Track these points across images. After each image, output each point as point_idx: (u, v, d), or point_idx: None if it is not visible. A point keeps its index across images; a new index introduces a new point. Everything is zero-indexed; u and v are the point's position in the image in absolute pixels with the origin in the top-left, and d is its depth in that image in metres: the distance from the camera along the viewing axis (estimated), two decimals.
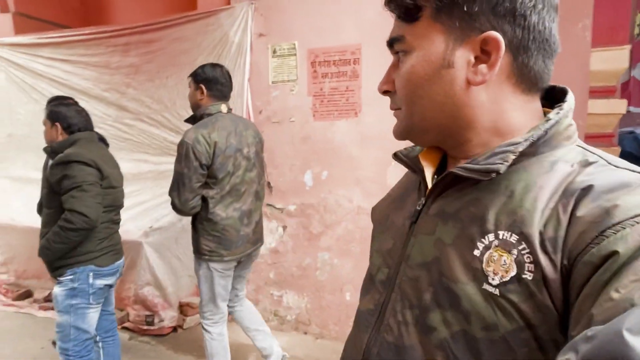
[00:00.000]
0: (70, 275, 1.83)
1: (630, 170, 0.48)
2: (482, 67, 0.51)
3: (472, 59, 0.51)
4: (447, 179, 0.56)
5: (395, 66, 0.59)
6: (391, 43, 0.58)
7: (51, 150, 1.89)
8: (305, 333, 2.96)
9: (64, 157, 1.79)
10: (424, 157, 0.62)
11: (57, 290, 1.85)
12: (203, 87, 1.98)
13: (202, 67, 2.01)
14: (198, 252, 2.03)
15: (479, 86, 0.52)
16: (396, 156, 0.67)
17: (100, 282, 1.90)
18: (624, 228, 0.41)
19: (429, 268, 0.55)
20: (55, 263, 1.81)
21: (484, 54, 0.51)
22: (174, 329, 3.00)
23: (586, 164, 0.49)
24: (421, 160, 0.61)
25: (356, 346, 0.64)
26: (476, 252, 0.50)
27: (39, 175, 3.53)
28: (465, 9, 0.50)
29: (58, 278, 1.84)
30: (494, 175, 0.50)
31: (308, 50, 2.72)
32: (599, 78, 2.72)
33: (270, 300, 3.03)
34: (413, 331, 0.55)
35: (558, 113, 0.52)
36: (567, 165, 0.49)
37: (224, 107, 2.02)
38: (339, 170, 2.74)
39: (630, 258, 0.40)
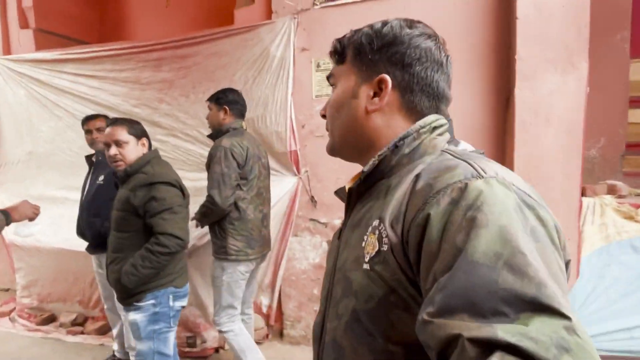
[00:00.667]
0: (152, 299, 1.76)
1: (459, 158, 0.59)
2: (376, 99, 0.69)
3: (371, 94, 0.69)
4: (352, 195, 0.72)
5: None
6: (328, 78, 0.78)
7: (127, 173, 1.81)
8: None
9: (150, 179, 1.73)
10: (350, 182, 0.75)
11: (137, 316, 1.76)
12: (227, 108, 2.30)
13: (224, 91, 2.34)
14: (225, 254, 2.18)
15: (375, 113, 0.69)
16: (336, 193, 0.81)
17: (179, 304, 1.83)
18: (438, 194, 0.53)
19: (341, 269, 0.67)
20: (136, 288, 1.73)
21: (380, 90, 0.69)
22: (216, 349, 2.91)
23: (436, 158, 0.63)
24: (346, 188, 0.75)
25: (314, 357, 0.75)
26: (362, 244, 0.63)
27: (63, 193, 3.46)
28: (369, 57, 0.69)
29: (135, 304, 1.76)
30: (363, 175, 0.68)
31: None
32: (639, 88, 2.79)
33: (313, 316, 2.97)
34: (334, 325, 0.66)
35: (406, 130, 0.67)
36: (422, 165, 0.63)
37: (244, 124, 2.37)
38: None
39: (443, 216, 0.50)
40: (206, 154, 3.11)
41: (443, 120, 0.69)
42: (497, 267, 0.44)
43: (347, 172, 2.76)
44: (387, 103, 0.68)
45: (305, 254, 2.96)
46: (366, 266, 0.60)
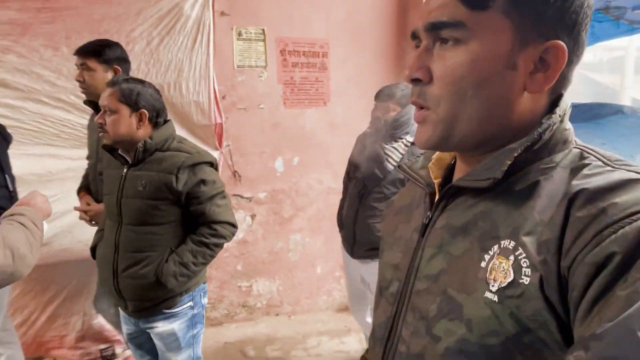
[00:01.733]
0: (189, 301, 1.50)
1: (626, 169, 0.48)
2: (540, 75, 0.51)
3: (531, 65, 0.50)
4: (450, 191, 0.58)
5: (429, 53, 0.53)
6: (438, 26, 0.51)
7: (145, 148, 1.41)
8: (277, 315, 3.05)
9: (195, 159, 1.42)
10: (435, 167, 0.64)
11: (175, 325, 1.47)
12: (119, 68, 1.93)
13: (109, 45, 1.93)
14: None
15: (538, 94, 0.52)
16: (401, 168, 0.68)
17: (206, 300, 1.62)
18: (622, 227, 0.41)
19: (436, 280, 0.56)
20: (172, 291, 1.43)
21: (541, 62, 0.50)
22: None
23: (582, 166, 0.50)
24: (430, 172, 0.63)
25: (376, 358, 0.66)
26: (483, 264, 0.51)
27: None
28: (538, 10, 0.48)
29: (166, 311, 1.46)
30: (490, 182, 0.51)
31: (277, 38, 2.74)
32: None
33: (237, 293, 2.94)
34: (422, 342, 0.56)
35: (550, 118, 0.52)
36: (564, 171, 0.50)
37: None
38: (310, 156, 2.92)
39: (630, 257, 0.40)
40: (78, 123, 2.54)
41: (570, 104, 0.57)
42: None
43: (273, 144, 2.81)
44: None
45: None
46: (492, 297, 0.49)
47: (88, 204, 2.04)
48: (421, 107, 0.55)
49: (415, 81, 0.54)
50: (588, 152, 0.52)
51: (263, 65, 2.76)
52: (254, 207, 2.89)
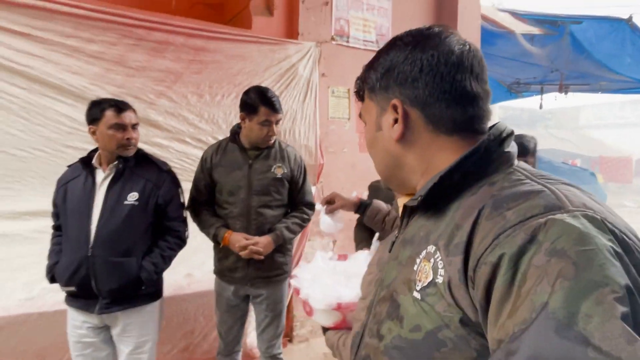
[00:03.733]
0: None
1: (538, 182, 0.53)
2: (397, 125, 0.65)
3: (392, 121, 0.66)
4: (406, 211, 0.68)
5: None
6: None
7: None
8: None
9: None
10: (405, 197, 0.73)
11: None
12: None
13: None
14: (287, 272, 2.09)
15: (405, 138, 0.65)
16: (391, 204, 0.78)
17: None
18: (515, 230, 0.47)
19: (389, 286, 0.64)
20: None
21: (396, 118, 0.65)
22: None
23: (503, 181, 0.56)
24: (399, 201, 0.75)
25: None
26: (415, 267, 0.59)
27: None
28: (379, 86, 0.67)
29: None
30: (419, 200, 0.62)
31: None
32: None
33: None
34: (373, 342, 0.64)
35: (478, 143, 0.60)
36: (489, 187, 0.56)
37: None
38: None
39: (517, 255, 0.45)
40: None
41: (510, 129, 0.64)
42: (588, 333, 0.38)
43: (350, 182, 3.39)
44: (412, 124, 0.64)
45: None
46: (417, 295, 0.56)
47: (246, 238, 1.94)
48: None
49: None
50: (519, 171, 0.58)
51: (347, 117, 3.38)
52: (335, 233, 3.38)
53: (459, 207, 0.57)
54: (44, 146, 2.23)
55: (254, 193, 1.97)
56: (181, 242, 1.84)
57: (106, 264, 1.62)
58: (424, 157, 0.65)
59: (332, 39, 3.26)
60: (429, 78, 0.62)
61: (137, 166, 1.76)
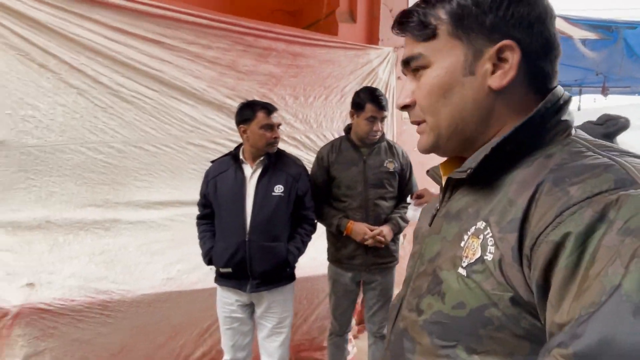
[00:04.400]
0: None
1: (603, 154, 0.49)
2: (499, 73, 0.57)
3: (490, 67, 0.57)
4: (450, 183, 0.64)
5: (412, 82, 0.65)
6: (407, 61, 0.63)
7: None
8: None
9: None
10: (445, 166, 0.70)
11: None
12: None
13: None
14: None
15: (505, 90, 0.57)
16: (427, 172, 0.75)
17: None
18: (582, 207, 0.43)
19: (431, 261, 0.62)
20: None
21: (501, 61, 0.57)
22: None
23: (566, 152, 0.52)
24: (441, 170, 0.70)
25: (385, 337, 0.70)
26: (462, 244, 0.56)
27: (98, 214, 2.22)
28: (479, 21, 0.57)
29: None
30: (469, 172, 0.57)
31: None
32: None
33: None
34: (411, 316, 0.62)
35: (531, 114, 0.56)
36: (546, 159, 0.53)
37: None
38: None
39: (585, 235, 0.42)
40: (312, 160, 3.08)
41: (569, 95, 0.59)
42: None
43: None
44: (517, 74, 0.57)
45: None
46: (462, 271, 0.54)
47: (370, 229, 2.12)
48: (418, 124, 0.66)
49: (404, 107, 0.66)
50: (578, 141, 0.54)
51: None
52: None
53: (513, 181, 0.54)
54: (171, 143, 2.47)
55: (370, 186, 2.17)
56: (313, 229, 2.06)
57: (261, 248, 1.85)
58: (512, 115, 0.59)
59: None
60: (544, 27, 0.57)
61: (277, 161, 1.98)
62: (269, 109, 1.92)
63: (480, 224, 0.54)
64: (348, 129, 2.31)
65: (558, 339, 0.40)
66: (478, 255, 0.53)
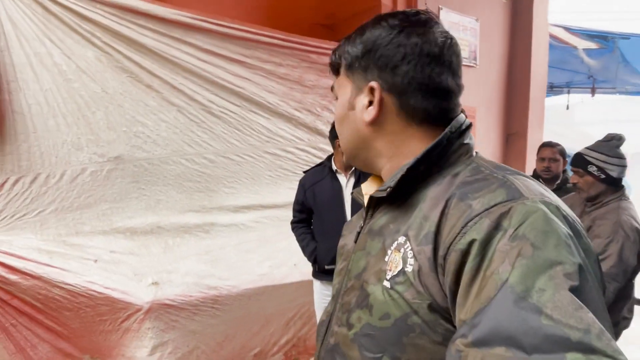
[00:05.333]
0: None
1: (498, 175, 0.56)
2: (371, 108, 0.65)
3: (366, 103, 0.65)
4: (372, 202, 0.69)
5: None
6: (332, 89, 0.75)
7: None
8: None
9: None
10: (367, 187, 0.76)
11: None
12: None
13: None
14: None
15: (375, 123, 0.65)
16: (352, 193, 0.84)
17: None
18: (482, 218, 0.50)
19: (358, 276, 0.65)
20: None
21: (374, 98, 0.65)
22: None
23: (469, 171, 0.59)
24: (362, 189, 0.76)
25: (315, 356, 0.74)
26: (386, 258, 0.61)
27: (197, 219, 2.48)
28: (358, 65, 0.66)
29: None
30: (388, 191, 0.62)
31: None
32: None
33: None
34: (342, 331, 0.65)
35: (436, 140, 0.61)
36: (452, 178, 0.59)
37: None
38: None
39: (486, 241, 0.48)
40: None
41: (469, 121, 0.66)
42: (541, 304, 0.42)
43: None
44: (385, 110, 0.65)
45: None
46: (387, 284, 0.58)
47: None
48: None
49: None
50: (479, 163, 0.60)
51: None
52: None
53: (425, 197, 0.59)
54: (251, 152, 2.73)
55: None
56: None
57: None
58: (393, 143, 0.66)
59: None
60: (409, 67, 0.62)
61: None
62: None
63: (401, 239, 0.59)
64: None
65: (461, 331, 0.47)
66: (400, 267, 0.57)
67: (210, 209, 2.53)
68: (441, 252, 0.52)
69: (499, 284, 0.45)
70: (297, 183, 2.93)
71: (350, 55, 0.67)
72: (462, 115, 0.65)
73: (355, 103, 0.67)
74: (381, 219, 0.66)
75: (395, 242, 0.60)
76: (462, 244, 0.50)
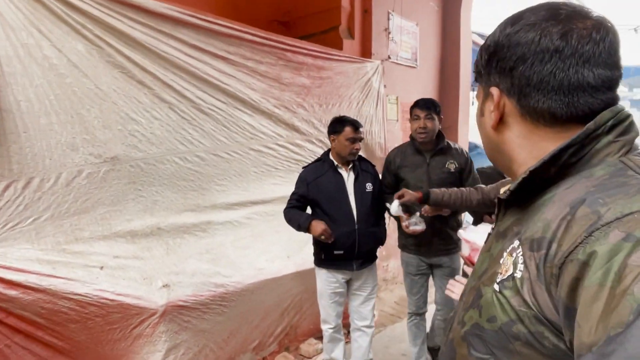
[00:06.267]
0: None
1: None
2: (493, 114, 0.64)
3: (492, 108, 0.65)
4: (501, 203, 0.67)
5: None
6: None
7: None
8: None
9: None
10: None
11: None
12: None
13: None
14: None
15: (500, 128, 0.65)
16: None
17: None
18: (610, 227, 0.44)
19: (480, 277, 0.65)
20: None
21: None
22: None
23: (608, 173, 0.52)
24: (501, 191, 0.71)
25: None
26: (501, 261, 0.59)
27: (194, 218, 2.46)
28: (484, 72, 0.66)
29: None
30: (508, 194, 0.62)
31: (402, 103, 4.32)
32: None
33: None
34: (457, 328, 0.66)
35: (574, 136, 0.55)
36: (587, 180, 0.53)
37: None
38: None
39: (609, 254, 0.42)
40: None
41: (625, 114, 0.57)
42: None
43: None
44: (508, 114, 0.63)
45: None
46: (496, 287, 0.57)
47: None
48: None
49: None
50: (628, 164, 0.53)
51: (395, 119, 4.28)
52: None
53: (551, 201, 0.56)
54: (238, 149, 2.74)
55: (434, 185, 2.37)
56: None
57: (367, 233, 2.33)
58: (523, 148, 0.63)
59: (389, 57, 4.12)
60: (525, 67, 0.59)
61: (361, 164, 2.47)
62: (356, 125, 2.38)
63: (516, 242, 0.57)
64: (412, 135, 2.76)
65: (587, 359, 0.42)
66: (510, 272, 0.55)
67: (205, 207, 2.51)
68: (556, 262, 0.48)
69: (635, 306, 0.39)
70: (279, 179, 3.02)
71: (480, 63, 0.67)
72: (605, 113, 0.56)
73: (484, 109, 0.68)
74: (507, 221, 0.65)
75: (511, 246, 0.58)
76: (582, 254, 0.45)
